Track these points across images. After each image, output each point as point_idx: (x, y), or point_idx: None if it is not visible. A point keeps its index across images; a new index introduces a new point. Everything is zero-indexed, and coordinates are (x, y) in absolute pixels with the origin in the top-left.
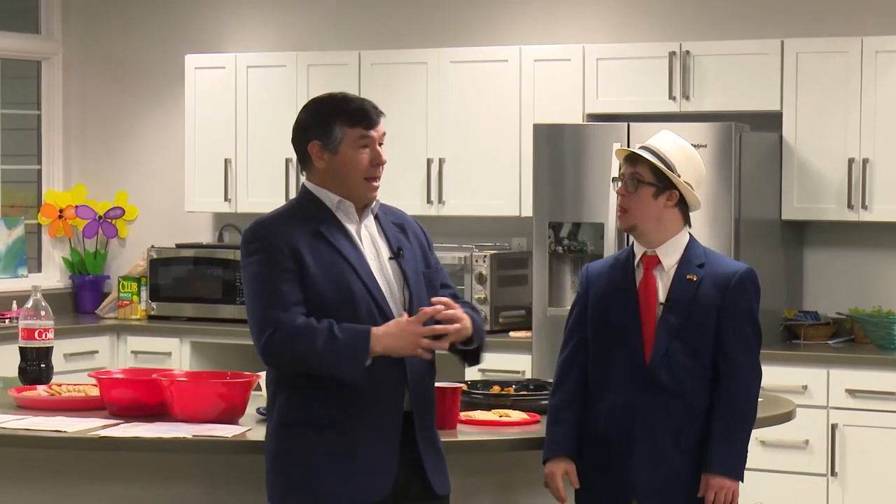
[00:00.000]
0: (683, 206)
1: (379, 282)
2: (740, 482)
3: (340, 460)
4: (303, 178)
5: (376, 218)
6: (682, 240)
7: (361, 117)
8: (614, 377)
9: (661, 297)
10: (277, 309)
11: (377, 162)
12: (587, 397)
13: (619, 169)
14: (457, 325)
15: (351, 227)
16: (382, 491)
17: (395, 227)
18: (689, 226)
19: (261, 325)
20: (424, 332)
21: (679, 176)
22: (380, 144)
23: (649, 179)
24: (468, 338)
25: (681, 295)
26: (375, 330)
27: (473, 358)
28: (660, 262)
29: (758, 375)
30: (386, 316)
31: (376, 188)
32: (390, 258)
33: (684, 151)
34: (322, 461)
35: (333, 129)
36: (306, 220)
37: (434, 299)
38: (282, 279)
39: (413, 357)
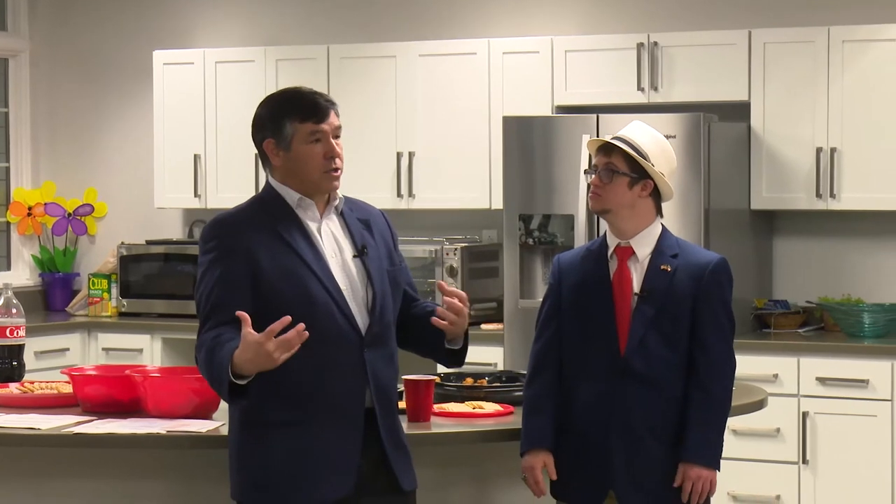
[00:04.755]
0: (656, 197)
1: (339, 281)
2: (717, 471)
3: (302, 459)
4: (267, 174)
5: (342, 215)
6: (655, 230)
7: (311, 112)
8: (590, 368)
9: (636, 287)
10: (208, 329)
11: (331, 155)
12: (562, 388)
13: (591, 160)
14: (464, 312)
15: (312, 226)
16: (345, 488)
17: (361, 223)
18: (662, 216)
19: (197, 343)
20: (276, 348)
21: (653, 166)
22: (336, 137)
23: (624, 169)
24: (454, 338)
25: (656, 285)
26: (236, 357)
27: (458, 359)
28: (634, 252)
29: (732, 365)
30: (346, 315)
31: (336, 178)
32: (354, 256)
33: (657, 142)
34: (284, 460)
35: (284, 126)
36: (266, 218)
37: (448, 289)
38: (228, 287)
39: (373, 353)
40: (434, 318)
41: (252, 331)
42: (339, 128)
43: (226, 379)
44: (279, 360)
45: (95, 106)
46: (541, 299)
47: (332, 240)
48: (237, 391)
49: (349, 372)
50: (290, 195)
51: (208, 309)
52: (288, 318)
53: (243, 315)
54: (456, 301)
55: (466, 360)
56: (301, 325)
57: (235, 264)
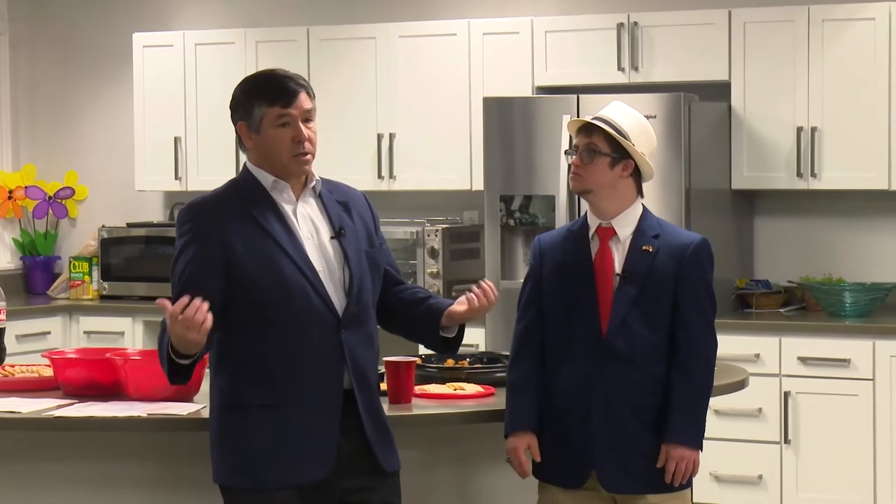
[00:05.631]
0: (637, 177)
1: (315, 262)
2: (700, 451)
3: (281, 440)
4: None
5: (319, 196)
6: (636, 210)
7: (278, 95)
8: (572, 349)
9: (618, 268)
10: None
11: (298, 139)
12: (545, 370)
13: (572, 141)
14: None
15: (288, 208)
16: (324, 470)
17: (339, 205)
18: (642, 196)
19: (160, 322)
20: (183, 329)
21: (634, 145)
22: (306, 120)
23: (605, 149)
24: (451, 325)
25: (637, 266)
26: (173, 339)
27: (452, 347)
28: (615, 233)
29: (714, 345)
30: (321, 296)
31: (306, 162)
32: (332, 238)
33: (637, 122)
34: (262, 442)
35: (254, 109)
36: (241, 202)
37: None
38: (199, 270)
39: (350, 334)
40: (469, 295)
41: (170, 313)
42: (309, 111)
43: (165, 360)
44: (195, 338)
45: (76, 89)
46: (522, 280)
47: (308, 222)
48: (179, 371)
49: (326, 353)
50: (266, 178)
51: (178, 290)
52: (185, 299)
53: (162, 302)
54: (484, 299)
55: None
56: (192, 300)
57: (208, 247)
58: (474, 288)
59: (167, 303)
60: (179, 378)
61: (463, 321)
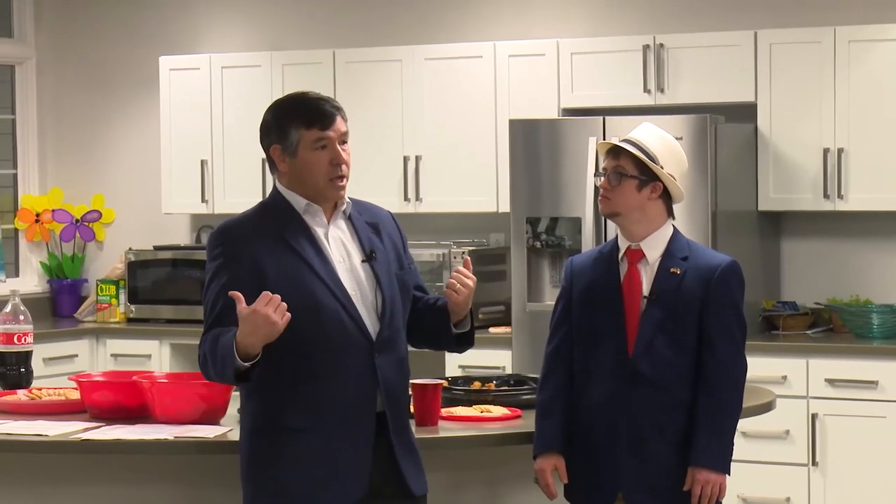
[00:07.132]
0: (667, 199)
1: (347, 286)
2: (727, 475)
3: (313, 465)
4: (274, 179)
5: (349, 219)
6: (665, 232)
7: (316, 118)
8: (599, 370)
9: (646, 290)
10: (209, 332)
11: (336, 162)
12: (573, 390)
13: (601, 163)
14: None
15: (319, 231)
16: (357, 494)
17: (369, 227)
18: (673, 218)
19: (200, 342)
20: (273, 308)
21: (662, 168)
22: (343, 143)
23: (632, 172)
24: (459, 321)
25: (664, 288)
26: (239, 336)
27: (466, 341)
28: (644, 255)
29: (742, 368)
30: (355, 320)
31: (342, 187)
32: (363, 261)
33: (666, 143)
34: (295, 466)
35: (290, 132)
36: (272, 224)
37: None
38: (229, 296)
39: (383, 358)
40: (446, 290)
41: (246, 305)
42: (345, 134)
43: (230, 358)
44: (279, 322)
45: (102, 112)
46: (548, 302)
47: (340, 245)
48: (242, 374)
49: (360, 377)
50: (298, 201)
51: (213, 317)
52: (267, 295)
53: (236, 294)
54: (462, 276)
55: (475, 364)
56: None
57: (240, 272)
58: (450, 280)
59: (240, 295)
60: (246, 380)
61: (458, 311)
